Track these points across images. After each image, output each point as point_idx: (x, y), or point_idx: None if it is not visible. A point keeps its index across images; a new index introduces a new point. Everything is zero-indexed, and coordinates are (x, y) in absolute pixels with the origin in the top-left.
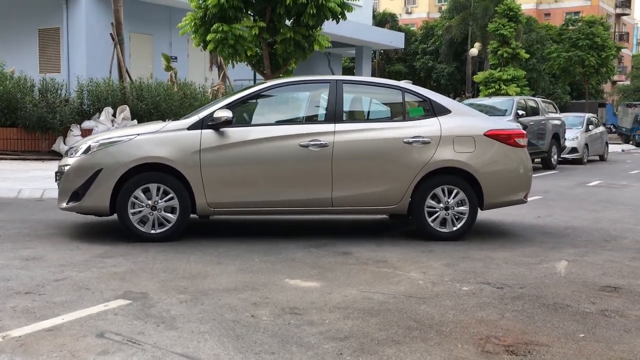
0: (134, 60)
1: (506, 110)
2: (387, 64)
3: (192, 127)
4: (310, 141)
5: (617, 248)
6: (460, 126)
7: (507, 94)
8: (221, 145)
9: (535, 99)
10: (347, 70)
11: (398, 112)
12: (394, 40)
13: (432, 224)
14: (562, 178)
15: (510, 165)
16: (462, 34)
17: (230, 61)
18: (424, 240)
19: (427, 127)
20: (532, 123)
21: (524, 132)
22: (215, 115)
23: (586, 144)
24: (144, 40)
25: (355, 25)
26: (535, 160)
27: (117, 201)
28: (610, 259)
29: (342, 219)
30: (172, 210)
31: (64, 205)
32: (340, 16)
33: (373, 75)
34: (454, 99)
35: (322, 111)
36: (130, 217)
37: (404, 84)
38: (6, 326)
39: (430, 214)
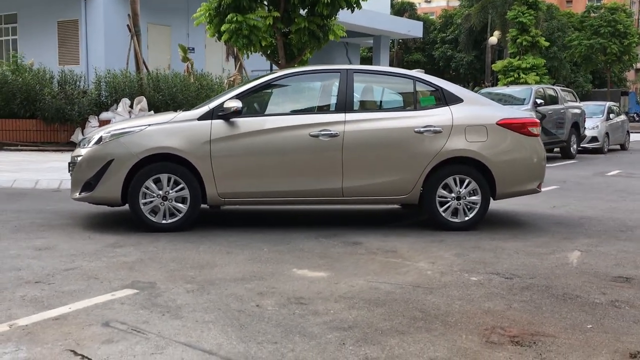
0: (152, 51)
1: (524, 99)
2: (406, 53)
3: (202, 118)
4: (321, 131)
5: (632, 238)
6: (472, 115)
7: (526, 83)
8: (231, 135)
9: (554, 87)
10: (365, 60)
11: (409, 102)
12: (412, 29)
13: (443, 214)
14: (581, 167)
15: (523, 154)
16: (481, 22)
17: (244, 52)
18: (435, 230)
19: (438, 116)
20: (550, 112)
21: (538, 120)
22: (225, 105)
23: (607, 133)
24: (162, 31)
25: (372, 14)
26: (555, 149)
27: (129, 191)
28: (624, 250)
29: (354, 209)
30: (182, 200)
31: (77, 195)
32: (355, 5)
33: (391, 64)
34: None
35: (332, 101)
36: (142, 207)
37: (416, 72)
38: (14, 315)
39: (442, 203)
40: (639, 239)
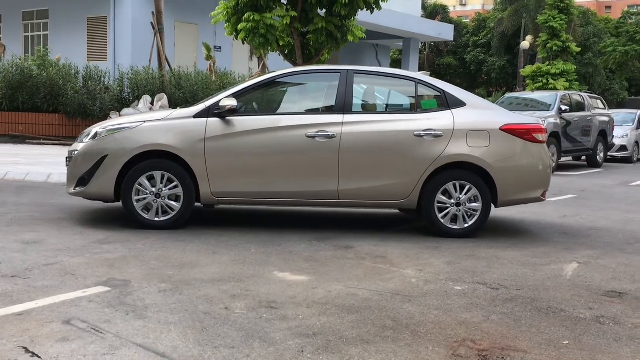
0: (179, 49)
1: (550, 105)
2: (437, 56)
3: (198, 115)
4: (317, 132)
5: (639, 252)
6: (474, 120)
7: (555, 89)
8: (226, 134)
9: (582, 94)
10: (395, 63)
11: (410, 104)
12: (443, 32)
13: (442, 220)
14: (605, 177)
15: (527, 161)
16: (513, 26)
17: (261, 51)
18: (433, 236)
19: (439, 120)
20: (576, 119)
21: (543, 127)
22: (221, 103)
23: (637, 142)
24: (189, 30)
25: (402, 16)
26: (582, 158)
27: (122, 188)
28: (625, 263)
29: (355, 213)
30: (176, 198)
31: (72, 190)
32: (374, 6)
33: (422, 68)
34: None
35: (331, 102)
36: (135, 204)
37: (420, 75)
38: None
39: (441, 209)
40: None
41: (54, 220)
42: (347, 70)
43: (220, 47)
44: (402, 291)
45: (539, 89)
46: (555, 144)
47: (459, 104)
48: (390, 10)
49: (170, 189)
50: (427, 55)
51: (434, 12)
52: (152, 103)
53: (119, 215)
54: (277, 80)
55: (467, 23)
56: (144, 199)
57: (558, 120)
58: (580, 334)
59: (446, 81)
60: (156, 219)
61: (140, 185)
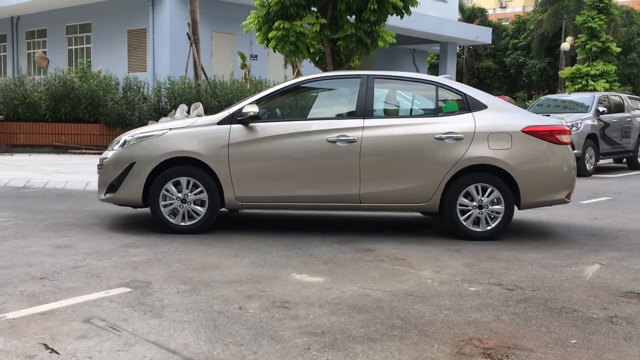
0: (216, 58)
1: (587, 107)
2: (476, 60)
3: (221, 122)
4: (338, 136)
5: None
6: (496, 122)
7: (594, 90)
8: (249, 140)
9: (621, 94)
10: (433, 67)
11: (431, 108)
12: (481, 35)
13: (464, 223)
14: None
15: (550, 163)
16: (553, 27)
17: (291, 58)
18: (455, 239)
19: (460, 123)
20: (615, 120)
21: (567, 128)
22: (244, 110)
23: None
24: (226, 39)
25: (438, 20)
26: (623, 160)
27: (150, 193)
28: None
29: (378, 216)
30: (201, 203)
31: (102, 196)
32: (404, 11)
33: (460, 72)
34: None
35: (352, 106)
36: (162, 209)
37: (441, 78)
38: (6, 308)
39: (463, 212)
40: None
41: (86, 226)
42: (368, 75)
43: (256, 56)
44: (416, 292)
45: (578, 90)
46: (592, 146)
47: (480, 106)
48: (425, 14)
49: (195, 194)
50: (466, 59)
51: (472, 16)
52: (188, 112)
53: (147, 221)
54: (299, 86)
55: (507, 25)
56: (171, 204)
57: (595, 122)
58: (590, 334)
59: (485, 85)
60: (182, 223)
61: (167, 190)
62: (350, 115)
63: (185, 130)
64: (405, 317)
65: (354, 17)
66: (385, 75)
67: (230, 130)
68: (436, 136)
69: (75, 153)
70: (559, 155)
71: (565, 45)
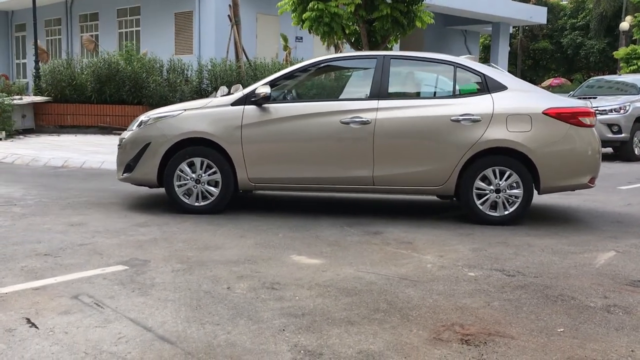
0: (261, 40)
1: (637, 89)
2: (532, 41)
3: (235, 103)
4: (352, 118)
5: None
6: (515, 104)
7: None
8: (262, 121)
9: None
10: (486, 49)
11: (448, 89)
12: (535, 15)
13: (481, 207)
14: None
15: (572, 146)
16: (612, 7)
17: (325, 39)
18: (471, 224)
19: (478, 104)
20: None
21: (591, 110)
22: (257, 91)
23: None
24: (271, 21)
25: (491, 0)
26: None
27: (165, 173)
28: None
29: (395, 199)
30: (215, 184)
31: (120, 176)
32: None
33: (515, 53)
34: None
35: (366, 87)
36: (176, 189)
37: (462, 59)
38: (3, 283)
39: (480, 196)
40: None
41: (106, 205)
42: (384, 55)
43: (301, 38)
44: (412, 276)
45: (634, 72)
46: None
47: (500, 87)
48: None
49: (209, 175)
50: (521, 40)
51: None
52: (229, 93)
53: (165, 200)
54: (315, 67)
55: (565, 5)
56: (185, 184)
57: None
58: (581, 322)
59: (542, 67)
60: (196, 203)
61: (181, 171)
62: (366, 96)
63: (199, 111)
64: (392, 301)
65: None
66: (402, 56)
67: (244, 111)
68: (452, 118)
69: (118, 134)
70: (582, 138)
71: (625, 25)
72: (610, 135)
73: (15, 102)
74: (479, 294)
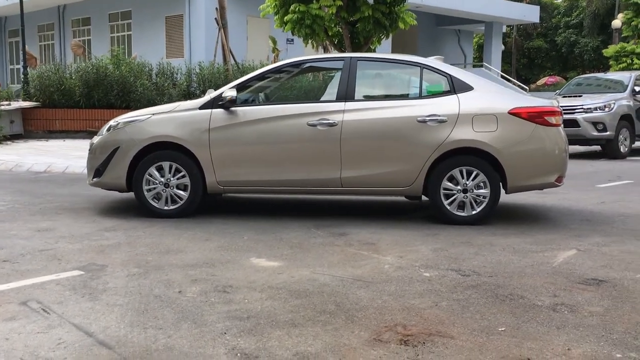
0: (251, 43)
1: (626, 85)
2: (526, 39)
3: (203, 107)
4: (319, 120)
5: None
6: (481, 104)
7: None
8: (230, 124)
9: None
10: (480, 48)
11: (414, 90)
12: (527, 14)
13: (448, 207)
14: None
15: (538, 145)
16: (604, 5)
17: (308, 41)
18: (441, 224)
19: (444, 105)
20: None
21: (558, 109)
22: (224, 94)
23: None
24: (261, 24)
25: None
26: None
27: (133, 178)
28: (632, 251)
29: (371, 200)
30: (184, 187)
31: (90, 180)
32: None
33: (509, 52)
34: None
35: (334, 90)
36: (145, 193)
37: (431, 60)
38: None
39: (447, 196)
40: None
41: (77, 210)
42: (351, 57)
43: (292, 40)
44: (366, 277)
45: (622, 69)
46: (627, 127)
47: (466, 88)
48: None
49: (178, 179)
50: (515, 38)
51: None
52: None
53: (136, 205)
54: (282, 69)
55: (559, 3)
56: (154, 188)
57: (631, 102)
58: (524, 322)
59: (537, 65)
60: (165, 207)
61: (150, 175)
62: (332, 98)
63: (167, 115)
64: (341, 303)
65: None
66: (369, 57)
67: (211, 115)
68: (418, 119)
69: None
70: (548, 137)
71: (617, 23)
72: (595, 133)
73: (2, 107)
74: (429, 294)
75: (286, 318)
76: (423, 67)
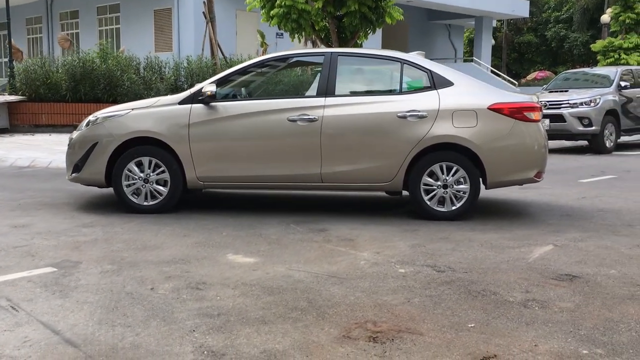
0: (240, 37)
1: (612, 80)
2: (516, 34)
3: (183, 102)
4: (299, 115)
5: (632, 234)
6: (461, 100)
7: (627, 64)
8: (209, 120)
9: None
10: (471, 42)
11: (394, 85)
12: (517, 8)
13: (428, 203)
14: None
15: (518, 141)
16: (593, 0)
17: (294, 35)
18: (421, 219)
19: (424, 100)
20: (639, 96)
21: (537, 105)
22: (203, 89)
23: None
24: (250, 17)
25: None
26: None
27: (113, 173)
28: (607, 245)
29: (355, 196)
30: (164, 183)
31: (69, 176)
32: None
33: (499, 46)
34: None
35: (314, 85)
36: (124, 189)
37: (412, 55)
38: None
39: (428, 192)
40: (638, 235)
41: (57, 205)
42: (332, 52)
43: (282, 34)
44: (341, 273)
45: (610, 64)
46: (613, 122)
47: (446, 83)
48: None
49: (157, 174)
50: (505, 33)
51: None
52: None
53: (116, 201)
54: (264, 64)
55: None
56: (134, 184)
57: (617, 98)
58: (494, 318)
59: (527, 60)
60: (145, 203)
61: (130, 171)
62: (313, 93)
63: (147, 110)
64: (313, 300)
65: None
66: (350, 53)
67: (191, 110)
68: (398, 114)
69: None
70: (528, 133)
71: (605, 18)
72: (581, 128)
73: None
74: (402, 291)
75: (257, 315)
76: (403, 62)
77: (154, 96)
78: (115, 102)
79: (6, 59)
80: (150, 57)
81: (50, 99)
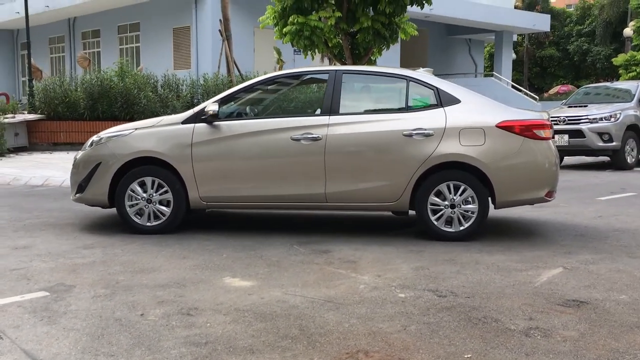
0: (258, 54)
1: (633, 95)
2: (538, 48)
3: (186, 122)
4: (303, 134)
5: None
6: (468, 117)
7: None
8: (212, 139)
9: None
10: (491, 57)
11: (400, 103)
12: (538, 22)
13: (436, 223)
14: None
15: (527, 159)
16: (615, 13)
17: (307, 52)
18: (427, 240)
19: (430, 118)
20: None
21: (548, 122)
22: (206, 109)
23: None
24: (268, 35)
25: (491, 8)
26: None
27: (116, 193)
28: (620, 269)
29: (363, 215)
30: (167, 203)
31: (73, 196)
32: (424, 1)
33: (520, 60)
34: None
35: (318, 103)
36: (127, 209)
37: (419, 72)
38: None
39: (435, 211)
40: None
41: (62, 226)
42: (336, 70)
43: (300, 50)
44: (338, 298)
45: (632, 78)
46: (634, 137)
47: (453, 101)
48: (478, 3)
49: (160, 194)
50: (527, 47)
51: (532, 3)
52: None
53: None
54: (268, 82)
55: (571, 12)
56: (137, 204)
57: (638, 112)
58: (493, 347)
59: (549, 74)
60: (148, 223)
61: (133, 191)
62: (317, 112)
63: (150, 130)
64: (306, 327)
65: (370, 9)
66: (355, 70)
67: (194, 130)
68: (404, 132)
69: None
70: (538, 151)
71: (628, 31)
72: (601, 143)
73: (7, 120)
74: (399, 317)
75: (245, 344)
76: (409, 80)
77: (169, 114)
78: (132, 120)
79: (27, 78)
80: (167, 75)
81: (69, 117)
